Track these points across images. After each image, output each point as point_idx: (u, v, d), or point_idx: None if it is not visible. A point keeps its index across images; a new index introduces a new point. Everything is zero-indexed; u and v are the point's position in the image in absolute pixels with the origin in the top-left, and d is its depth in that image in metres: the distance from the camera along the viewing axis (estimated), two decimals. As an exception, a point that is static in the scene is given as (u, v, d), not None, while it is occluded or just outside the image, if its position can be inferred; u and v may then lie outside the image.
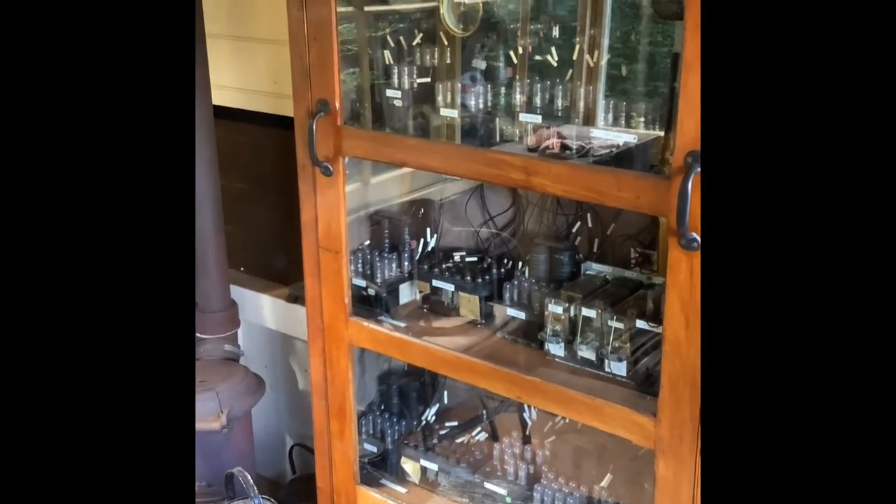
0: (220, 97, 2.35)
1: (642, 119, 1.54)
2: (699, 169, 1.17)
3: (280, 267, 2.46)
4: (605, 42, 1.59)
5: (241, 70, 2.38)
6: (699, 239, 1.21)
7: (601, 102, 1.57)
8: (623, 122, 1.55)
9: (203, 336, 2.41)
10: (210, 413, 2.13)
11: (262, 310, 2.50)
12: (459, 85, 1.67)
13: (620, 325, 1.51)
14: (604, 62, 1.58)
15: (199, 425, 2.12)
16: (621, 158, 1.50)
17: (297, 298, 2.37)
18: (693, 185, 1.18)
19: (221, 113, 2.36)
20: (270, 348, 2.57)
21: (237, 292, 2.48)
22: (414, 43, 1.72)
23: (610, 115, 1.56)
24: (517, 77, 1.63)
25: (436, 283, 1.81)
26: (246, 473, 1.89)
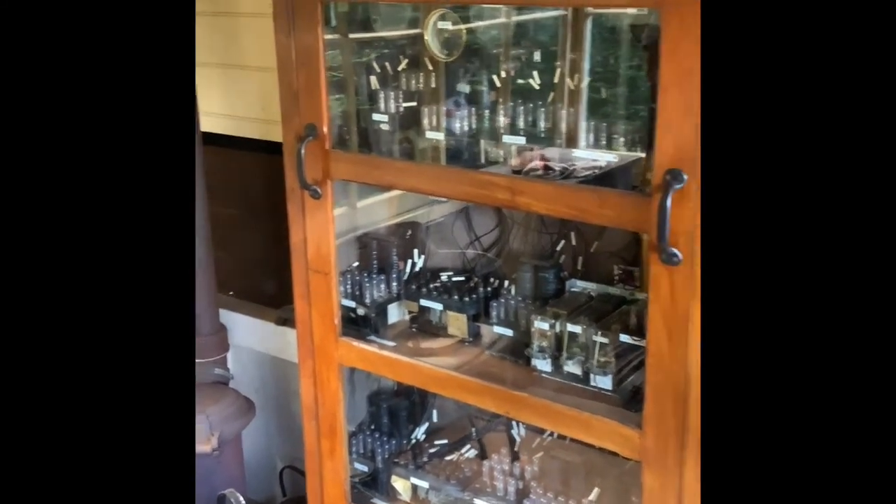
0: (208, 124, 2.39)
1: (623, 141, 1.58)
2: (678, 186, 1.22)
3: (269, 291, 2.48)
4: (586, 66, 1.63)
5: (229, 97, 2.42)
6: (679, 254, 1.25)
7: (583, 125, 1.62)
8: (605, 144, 1.59)
9: (193, 360, 2.42)
10: (200, 436, 2.14)
11: (251, 333, 2.52)
12: (445, 109, 1.72)
13: (605, 340, 1.55)
14: (585, 86, 1.62)
15: (191, 448, 2.13)
16: (603, 179, 1.54)
17: (286, 321, 2.39)
18: (672, 202, 1.22)
19: (210, 140, 2.39)
20: (260, 371, 2.59)
21: (227, 316, 2.50)
22: (399, 68, 1.76)
23: (592, 137, 1.60)
24: (500, 100, 1.68)
25: (423, 302, 1.84)
26: (238, 495, 1.91)
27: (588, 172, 1.56)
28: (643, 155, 1.54)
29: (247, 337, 2.53)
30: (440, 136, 1.70)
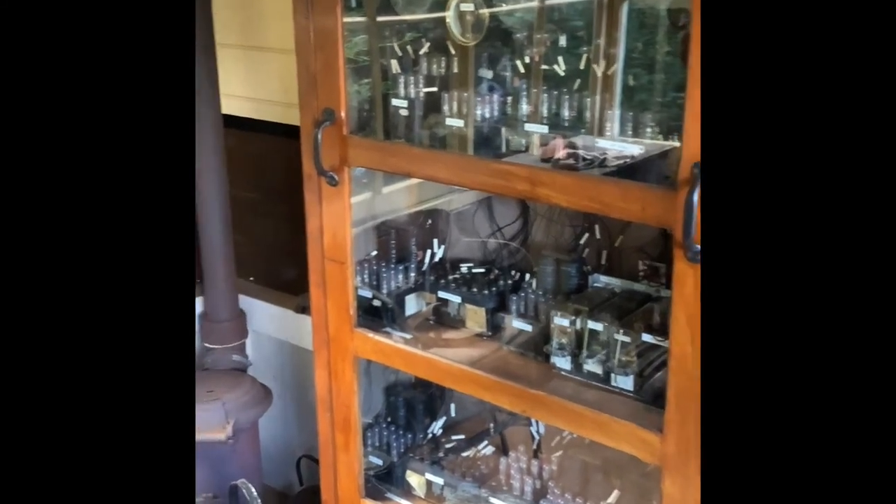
0: (230, 106, 2.35)
1: (657, 130, 1.52)
2: (705, 180, 1.15)
3: (289, 277, 2.45)
4: (622, 52, 1.57)
5: (251, 79, 2.38)
6: (706, 252, 1.18)
7: (617, 113, 1.55)
8: (638, 133, 1.52)
9: (210, 346, 2.40)
10: (216, 423, 2.12)
11: (270, 320, 2.49)
12: (467, 95, 1.66)
13: (627, 339, 1.49)
14: (620, 72, 1.56)
15: (205, 436, 2.11)
16: (635, 170, 1.48)
17: (304, 309, 2.36)
18: (699, 197, 1.16)
19: (232, 122, 2.36)
20: (279, 359, 2.56)
21: (246, 302, 2.47)
22: (421, 52, 1.70)
23: (625, 126, 1.53)
24: (527, 87, 1.62)
25: (442, 294, 1.79)
26: (250, 486, 1.88)
27: (619, 162, 1.50)
28: (678, 144, 1.47)
29: (266, 324, 2.50)
30: (460, 122, 1.64)
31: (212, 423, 2.12)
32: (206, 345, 2.41)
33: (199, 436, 2.11)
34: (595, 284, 1.69)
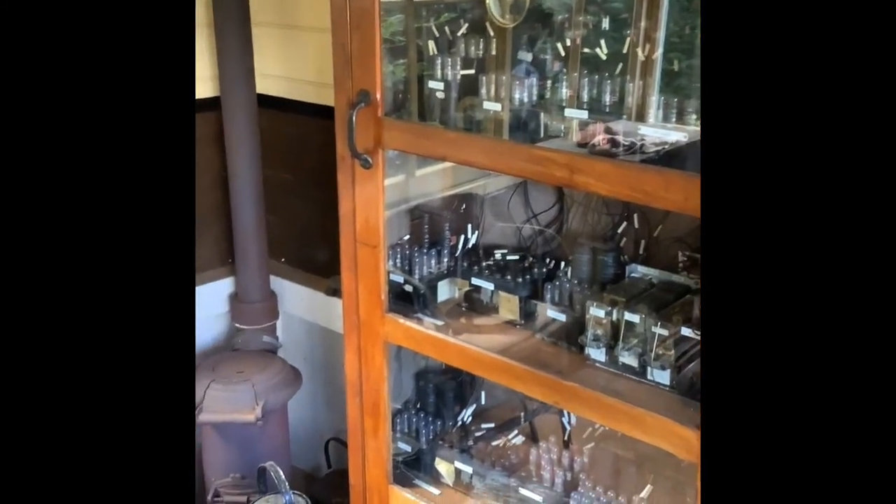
0: (265, 86, 2.33)
1: (697, 116, 1.47)
2: (752, 171, 1.11)
3: (321, 259, 2.43)
4: (662, 35, 1.52)
5: (286, 58, 2.36)
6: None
7: (656, 98, 1.51)
8: (680, 119, 1.48)
9: (241, 326, 2.40)
10: (245, 405, 2.12)
11: (301, 302, 2.48)
12: (505, 78, 1.62)
13: (665, 332, 1.45)
14: (660, 56, 1.51)
15: (234, 417, 2.11)
16: (674, 157, 1.43)
17: (335, 291, 2.33)
18: (745, 188, 1.12)
19: (267, 102, 2.34)
20: (309, 341, 2.55)
21: (277, 283, 2.46)
22: (458, 33, 1.67)
23: (667, 112, 1.49)
24: (567, 70, 1.58)
25: (475, 280, 1.76)
26: (278, 468, 1.87)
27: (658, 148, 1.45)
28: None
29: (297, 305, 2.49)
30: (497, 106, 1.60)
31: (241, 404, 2.12)
32: (237, 325, 2.41)
33: (229, 416, 2.11)
34: (632, 275, 1.65)
